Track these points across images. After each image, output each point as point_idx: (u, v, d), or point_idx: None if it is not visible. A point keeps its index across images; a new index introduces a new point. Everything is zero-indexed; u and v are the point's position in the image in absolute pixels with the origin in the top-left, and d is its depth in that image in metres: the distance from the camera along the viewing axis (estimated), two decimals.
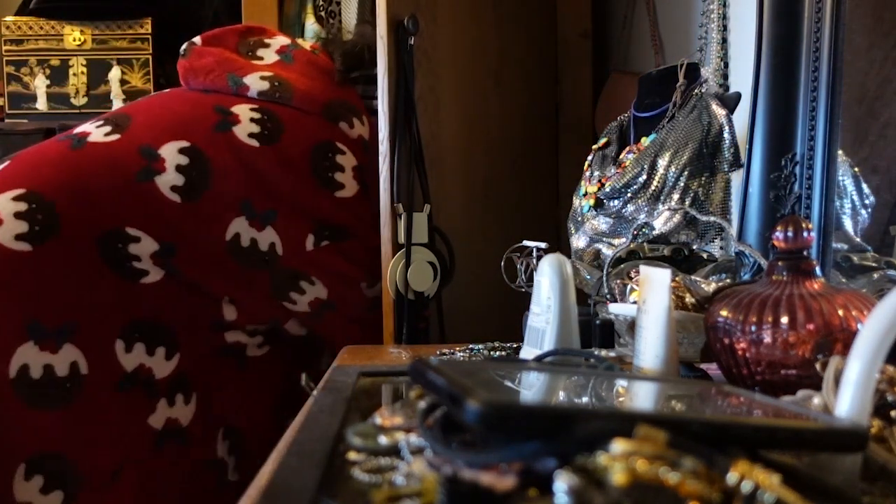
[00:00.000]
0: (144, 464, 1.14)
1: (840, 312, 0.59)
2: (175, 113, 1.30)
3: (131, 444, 1.13)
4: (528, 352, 0.78)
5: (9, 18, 2.12)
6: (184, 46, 1.38)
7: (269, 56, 1.38)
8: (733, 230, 0.92)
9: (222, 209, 1.20)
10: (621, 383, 0.58)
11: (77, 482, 1.08)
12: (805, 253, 0.63)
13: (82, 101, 2.13)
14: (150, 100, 1.39)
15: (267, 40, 1.42)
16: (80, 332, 1.10)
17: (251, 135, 1.24)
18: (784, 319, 0.60)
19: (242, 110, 1.27)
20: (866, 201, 0.89)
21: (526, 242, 1.01)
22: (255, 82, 1.30)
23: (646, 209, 1.03)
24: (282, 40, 1.43)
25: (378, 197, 1.28)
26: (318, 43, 1.46)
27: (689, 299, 0.73)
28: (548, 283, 0.76)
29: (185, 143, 1.22)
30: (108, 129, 1.24)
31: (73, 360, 1.09)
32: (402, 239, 1.25)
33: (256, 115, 1.27)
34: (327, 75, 1.36)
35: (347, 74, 1.39)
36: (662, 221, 1.01)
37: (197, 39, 1.38)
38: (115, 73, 2.13)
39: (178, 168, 1.19)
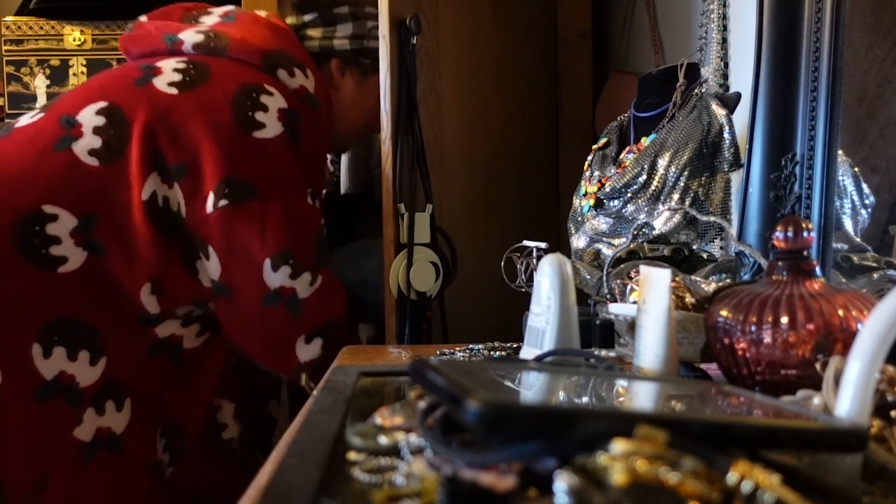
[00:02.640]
0: (73, 476, 1.07)
1: (840, 312, 0.59)
2: (101, 79, 1.22)
3: (54, 456, 1.06)
4: (528, 352, 0.78)
5: (9, 18, 2.12)
6: (129, 25, 1.32)
7: (210, 20, 1.31)
8: (733, 230, 0.92)
9: (140, 167, 1.10)
10: (621, 383, 0.58)
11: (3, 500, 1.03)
12: (805, 253, 0.63)
13: None
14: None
15: (211, 9, 1.34)
16: None
17: (171, 83, 1.15)
18: (784, 319, 0.60)
19: (167, 63, 1.18)
20: (866, 201, 0.89)
21: (526, 242, 1.01)
22: (190, 36, 1.23)
23: (646, 209, 1.03)
24: (227, 7, 1.35)
25: (311, 154, 1.19)
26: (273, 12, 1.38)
27: (689, 299, 0.73)
28: (548, 283, 0.76)
29: (102, 104, 1.14)
30: (35, 111, 1.19)
31: None
32: (404, 239, 1.25)
33: (181, 66, 1.17)
34: (270, 30, 1.27)
35: (302, 15, 1.33)
36: (662, 221, 1.01)
37: (143, 17, 1.32)
38: None
39: (95, 130, 1.11)
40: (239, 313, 1.15)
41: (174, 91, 1.14)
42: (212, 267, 1.13)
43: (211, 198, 1.11)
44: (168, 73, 1.17)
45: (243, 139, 1.13)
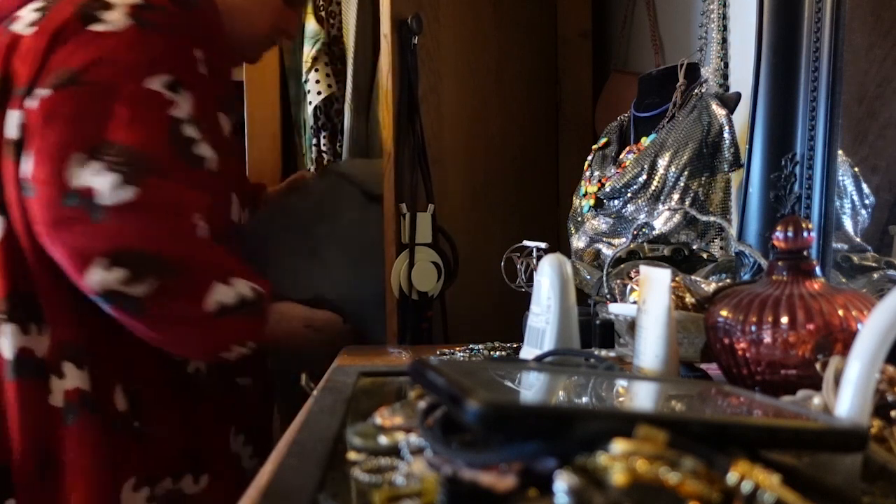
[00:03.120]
0: (64, 442, 1.06)
1: (840, 312, 0.59)
2: None
3: (42, 431, 1.06)
4: (528, 352, 0.78)
5: None
6: None
7: None
8: (733, 230, 0.92)
9: (9, 108, 1.06)
10: (621, 383, 0.58)
11: (11, 485, 1.04)
12: (805, 253, 0.63)
13: None
14: None
15: None
16: None
17: (30, 24, 1.10)
18: (784, 319, 0.60)
19: (26, 10, 1.14)
20: (866, 201, 0.89)
21: (526, 242, 1.02)
22: None
23: (646, 209, 1.03)
24: None
25: (178, 47, 1.11)
26: None
27: (689, 299, 0.73)
28: (548, 283, 0.76)
29: None
30: None
31: None
32: (405, 239, 1.24)
33: (39, 5, 1.13)
34: None
35: None
36: (662, 221, 1.01)
37: None
38: None
39: None
40: (39, 214, 1.04)
41: (34, 29, 1.10)
42: (26, 167, 1.04)
43: (39, 93, 1.04)
44: (27, 15, 1.13)
45: (79, 34, 1.07)
